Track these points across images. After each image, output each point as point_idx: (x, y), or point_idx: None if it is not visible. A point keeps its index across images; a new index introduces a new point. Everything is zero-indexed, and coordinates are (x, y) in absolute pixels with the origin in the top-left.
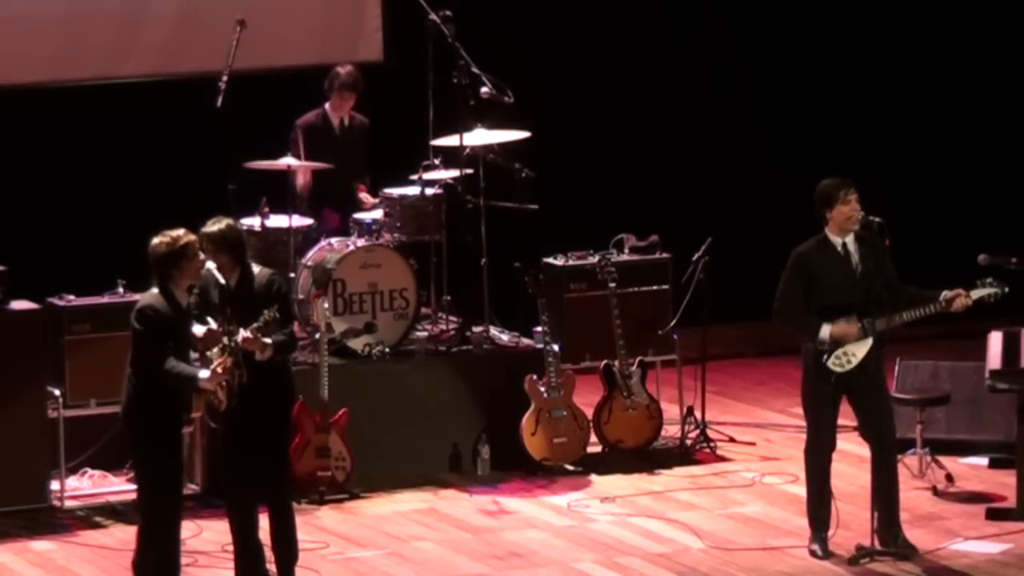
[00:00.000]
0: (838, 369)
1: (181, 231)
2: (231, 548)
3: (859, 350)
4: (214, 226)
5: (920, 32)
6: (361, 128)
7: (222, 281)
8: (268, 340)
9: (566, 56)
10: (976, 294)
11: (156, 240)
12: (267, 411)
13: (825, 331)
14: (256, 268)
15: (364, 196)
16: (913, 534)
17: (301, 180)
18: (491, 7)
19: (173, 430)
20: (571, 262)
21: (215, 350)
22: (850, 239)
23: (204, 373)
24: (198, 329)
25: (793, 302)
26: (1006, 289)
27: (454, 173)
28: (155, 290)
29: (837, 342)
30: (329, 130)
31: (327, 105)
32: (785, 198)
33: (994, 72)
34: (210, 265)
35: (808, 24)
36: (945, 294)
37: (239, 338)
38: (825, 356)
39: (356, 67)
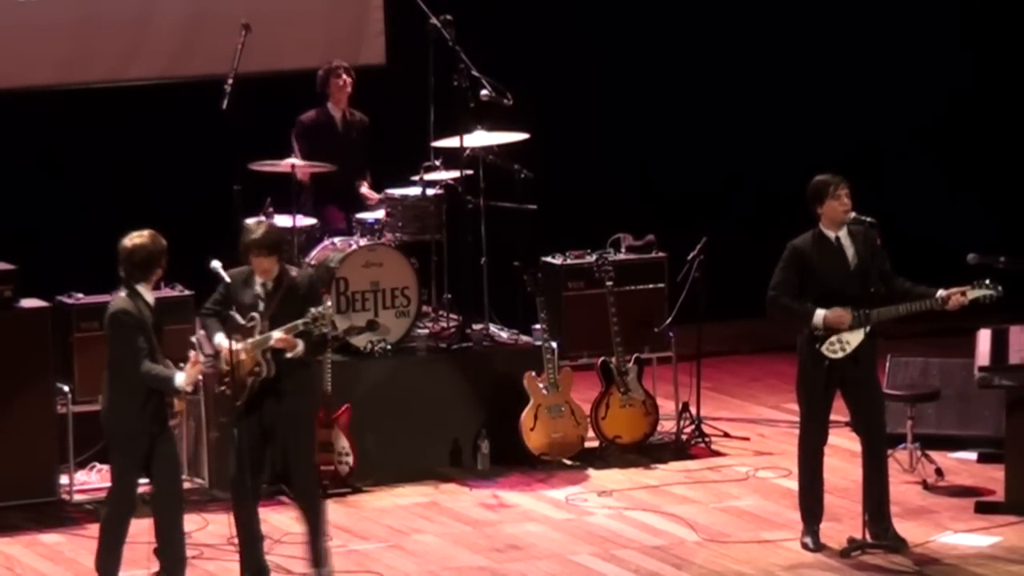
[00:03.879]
0: (831, 355)
1: (148, 231)
2: (236, 541)
3: (853, 338)
4: (259, 230)
5: (917, 32)
6: (361, 125)
7: (258, 289)
8: (299, 341)
9: (565, 58)
10: (973, 294)
11: (137, 241)
12: (292, 407)
13: (819, 316)
14: (292, 269)
15: (367, 192)
16: (903, 527)
17: (305, 178)
18: (491, 10)
19: (147, 435)
20: (569, 261)
21: (245, 343)
22: (843, 233)
23: (180, 376)
24: (220, 339)
25: (787, 290)
26: (1000, 289)
27: (455, 174)
28: (123, 293)
29: (830, 328)
30: (332, 126)
31: (328, 104)
32: (779, 198)
33: (993, 72)
34: (244, 268)
35: (805, 23)
36: (941, 292)
37: (273, 339)
38: (818, 343)
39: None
